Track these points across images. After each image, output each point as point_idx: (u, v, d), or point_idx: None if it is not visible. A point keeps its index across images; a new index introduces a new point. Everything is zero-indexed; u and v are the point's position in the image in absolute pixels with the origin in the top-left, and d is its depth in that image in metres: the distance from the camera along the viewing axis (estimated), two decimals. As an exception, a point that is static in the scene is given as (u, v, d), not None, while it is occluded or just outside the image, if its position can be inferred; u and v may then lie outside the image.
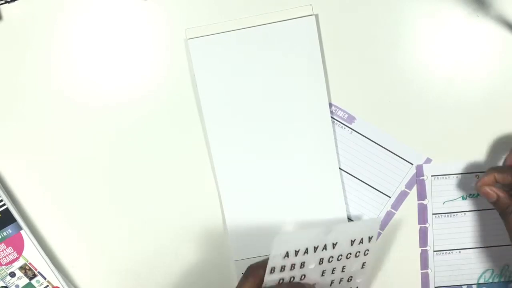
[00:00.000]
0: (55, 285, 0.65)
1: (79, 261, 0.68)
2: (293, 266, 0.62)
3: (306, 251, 0.62)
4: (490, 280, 0.67)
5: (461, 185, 0.66)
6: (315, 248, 0.61)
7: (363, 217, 0.67)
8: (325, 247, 0.62)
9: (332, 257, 0.63)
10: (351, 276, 0.65)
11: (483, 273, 0.67)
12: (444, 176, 0.66)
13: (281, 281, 0.61)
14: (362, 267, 0.65)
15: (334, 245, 0.62)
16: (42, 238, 0.67)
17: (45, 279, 0.65)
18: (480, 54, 0.65)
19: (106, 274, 0.68)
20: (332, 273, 0.63)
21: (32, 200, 0.67)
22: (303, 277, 0.63)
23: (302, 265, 0.62)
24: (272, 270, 0.61)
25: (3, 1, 0.65)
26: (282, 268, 0.61)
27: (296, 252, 0.61)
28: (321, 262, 0.62)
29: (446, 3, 0.64)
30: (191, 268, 0.68)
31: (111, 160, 0.67)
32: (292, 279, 0.62)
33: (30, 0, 0.65)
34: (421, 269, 0.68)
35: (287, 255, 0.60)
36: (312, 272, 0.63)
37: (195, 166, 0.66)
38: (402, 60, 0.65)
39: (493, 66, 0.65)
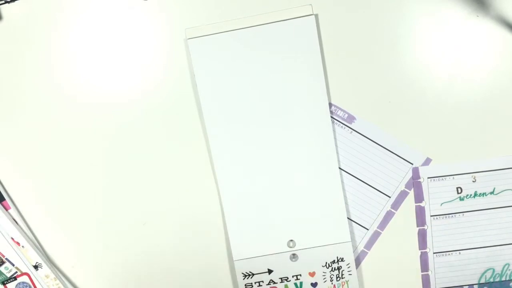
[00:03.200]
0: (23, 271, 0.65)
1: (79, 261, 0.68)
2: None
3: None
4: (491, 280, 0.67)
5: (458, 186, 0.66)
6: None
7: (362, 217, 0.67)
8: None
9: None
10: None
11: (484, 273, 0.67)
12: (441, 178, 0.66)
13: None
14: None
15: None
16: (42, 238, 0.67)
17: (13, 265, 0.65)
18: (480, 54, 0.65)
19: (106, 274, 0.68)
20: None
21: (32, 199, 0.67)
22: None
23: None
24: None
25: (3, 1, 0.65)
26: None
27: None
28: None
29: (446, 3, 0.64)
30: (191, 268, 0.68)
31: (111, 160, 0.66)
32: None
33: (30, 0, 0.65)
34: (422, 271, 0.68)
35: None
36: None
37: (195, 166, 0.66)
38: (402, 60, 0.65)
39: (493, 66, 0.65)
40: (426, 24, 0.65)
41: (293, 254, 0.66)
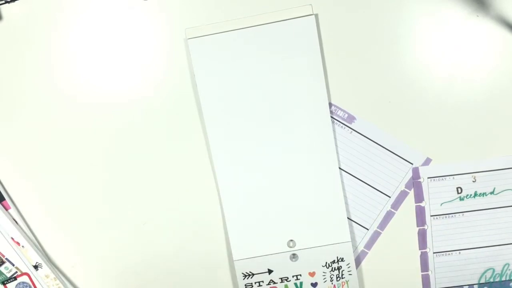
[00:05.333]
0: (23, 271, 0.65)
1: (79, 261, 0.68)
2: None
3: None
4: (491, 280, 0.67)
5: (458, 186, 0.66)
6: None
7: (362, 217, 0.67)
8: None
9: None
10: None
11: (484, 272, 0.67)
12: (441, 178, 0.66)
13: None
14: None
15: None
16: (42, 238, 0.67)
17: (13, 265, 0.65)
18: (480, 54, 0.65)
19: (106, 274, 0.68)
20: None
21: (32, 199, 0.67)
22: None
23: None
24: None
25: (3, 1, 0.65)
26: None
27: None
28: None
29: (446, 3, 0.64)
30: (191, 268, 0.68)
31: (111, 160, 0.66)
32: None
33: (30, 0, 0.65)
34: (422, 271, 0.68)
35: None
36: None
37: (195, 166, 0.66)
38: (402, 60, 0.65)
39: (493, 66, 0.65)
40: (426, 24, 0.65)
41: (293, 254, 0.66)
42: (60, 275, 0.67)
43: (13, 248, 0.65)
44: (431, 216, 0.66)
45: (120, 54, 0.66)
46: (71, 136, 0.66)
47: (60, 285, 0.66)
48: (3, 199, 0.65)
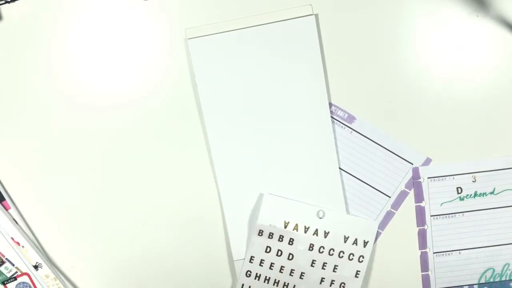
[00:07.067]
0: (23, 271, 0.65)
1: (79, 261, 0.68)
2: (281, 238, 0.63)
3: (296, 228, 0.63)
4: (491, 280, 0.67)
5: (458, 186, 0.66)
6: (306, 228, 0.62)
7: (362, 216, 0.67)
8: (316, 232, 0.63)
9: (323, 247, 0.63)
10: (344, 283, 0.65)
11: (484, 272, 0.67)
12: (441, 178, 0.66)
13: (268, 249, 0.62)
14: (356, 276, 0.65)
15: (326, 233, 0.63)
16: (42, 238, 0.67)
17: (13, 265, 0.65)
18: (480, 54, 0.65)
19: (106, 274, 0.68)
20: (323, 268, 0.64)
21: (32, 199, 0.67)
22: (290, 256, 0.63)
23: (291, 241, 0.63)
24: (260, 232, 0.63)
25: (3, 1, 0.65)
26: (270, 235, 0.62)
27: (286, 224, 0.63)
28: (311, 248, 0.63)
29: (446, 3, 0.64)
30: (191, 268, 0.68)
31: (111, 160, 0.66)
32: (279, 253, 0.63)
33: (30, 0, 0.65)
34: (422, 271, 0.68)
35: (275, 221, 0.61)
36: (300, 256, 0.63)
37: (195, 166, 0.66)
38: (402, 60, 0.65)
39: (493, 66, 0.65)
40: (426, 24, 0.65)
41: (293, 254, 0.66)
42: (60, 275, 0.67)
43: (13, 248, 0.65)
44: (431, 216, 0.66)
45: (120, 54, 0.66)
46: (71, 136, 0.66)
47: (60, 285, 0.66)
48: (3, 199, 0.66)
